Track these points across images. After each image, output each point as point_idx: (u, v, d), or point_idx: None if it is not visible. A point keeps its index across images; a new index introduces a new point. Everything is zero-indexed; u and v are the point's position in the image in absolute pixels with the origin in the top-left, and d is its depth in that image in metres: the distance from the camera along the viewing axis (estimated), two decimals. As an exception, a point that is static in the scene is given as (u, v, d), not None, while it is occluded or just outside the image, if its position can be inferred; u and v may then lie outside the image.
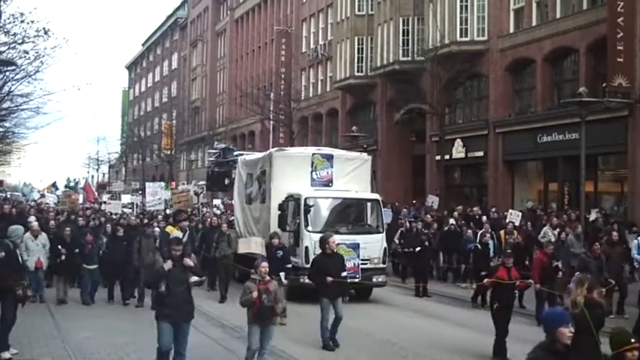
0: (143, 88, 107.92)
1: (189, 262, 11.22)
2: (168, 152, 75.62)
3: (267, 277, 11.71)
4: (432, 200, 33.47)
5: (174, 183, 61.06)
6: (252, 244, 17.29)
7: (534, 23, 33.21)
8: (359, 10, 46.08)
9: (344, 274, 14.69)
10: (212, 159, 33.37)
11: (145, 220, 27.70)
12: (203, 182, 55.23)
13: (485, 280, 14.03)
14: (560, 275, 17.49)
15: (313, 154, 21.91)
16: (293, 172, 21.23)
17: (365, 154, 23.63)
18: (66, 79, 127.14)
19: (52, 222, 21.98)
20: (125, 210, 38.33)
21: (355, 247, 19.33)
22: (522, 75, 34.90)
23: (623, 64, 26.88)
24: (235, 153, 31.47)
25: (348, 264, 16.94)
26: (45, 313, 17.79)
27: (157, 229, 20.62)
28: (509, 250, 15.29)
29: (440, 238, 25.66)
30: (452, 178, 39.13)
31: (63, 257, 19.10)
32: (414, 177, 43.46)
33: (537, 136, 32.13)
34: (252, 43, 68.55)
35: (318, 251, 18.53)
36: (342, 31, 47.85)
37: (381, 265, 20.58)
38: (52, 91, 33.93)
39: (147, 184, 33.73)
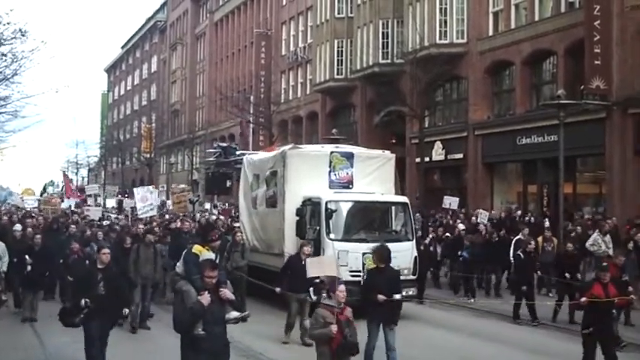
0: (122, 91, 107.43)
1: (228, 293, 8.91)
2: (148, 155, 75.36)
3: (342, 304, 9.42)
4: (450, 201, 31.16)
5: (154, 186, 60.76)
6: (326, 266, 14.10)
7: (513, 26, 33.42)
8: (339, 13, 46.16)
9: (397, 296, 12.46)
10: (211, 159, 31.16)
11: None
12: (183, 185, 54.91)
13: (583, 299, 11.95)
14: (631, 289, 14.67)
15: (331, 152, 19.71)
16: (309, 172, 19.12)
17: (388, 152, 21.30)
18: (44, 82, 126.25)
19: (30, 229, 20.32)
20: (111, 215, 37.77)
21: None
22: (501, 77, 35.10)
23: (600, 67, 27.08)
24: (238, 152, 29.32)
25: None
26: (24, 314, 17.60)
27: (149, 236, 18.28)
28: (605, 264, 13.06)
29: (445, 245, 23.79)
30: (431, 180, 39.22)
31: (29, 268, 17.34)
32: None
33: (516, 138, 32.30)
34: (232, 46, 68.44)
35: (344, 262, 17.18)
36: (321, 34, 47.89)
37: (412, 277, 18.20)
38: (30, 95, 33.51)
39: (135, 189, 32.24)
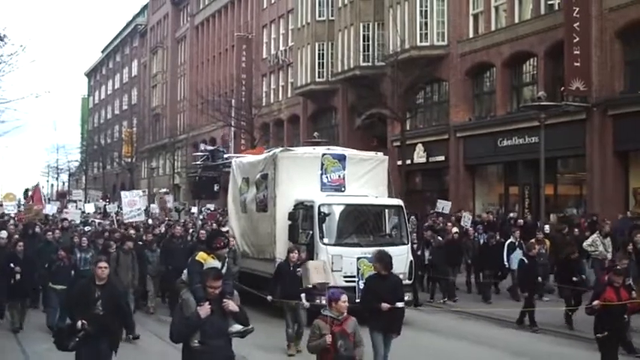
0: (103, 96, 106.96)
1: (232, 305, 8.41)
2: (129, 160, 75.10)
3: (345, 314, 8.94)
4: (443, 205, 30.62)
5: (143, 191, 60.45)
6: (312, 272, 14.00)
7: (493, 28, 33.53)
8: (319, 16, 46.14)
9: (400, 304, 11.86)
10: (199, 163, 30.65)
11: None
12: (164, 190, 54.71)
13: (595, 303, 11.71)
14: (635, 295, 13.77)
15: (323, 154, 19.27)
16: (300, 175, 18.73)
17: (381, 154, 20.96)
18: (24, 86, 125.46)
19: (17, 236, 19.71)
20: (95, 220, 37.44)
21: None
22: (482, 79, 35.21)
23: (579, 69, 27.23)
24: (226, 156, 28.84)
25: None
26: (6, 324, 17.41)
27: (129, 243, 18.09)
28: (618, 267, 12.92)
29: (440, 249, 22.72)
30: (413, 183, 39.25)
31: (18, 277, 16.83)
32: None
33: (497, 140, 32.41)
34: (213, 49, 68.33)
35: (338, 267, 16.91)
36: (302, 37, 47.87)
37: (407, 282, 17.36)
38: (9, 99, 33.21)
39: (122, 193, 31.84)
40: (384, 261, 11.87)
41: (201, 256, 10.39)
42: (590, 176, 28.03)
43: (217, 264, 10.11)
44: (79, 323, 9.71)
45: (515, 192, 32.64)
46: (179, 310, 8.77)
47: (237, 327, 8.43)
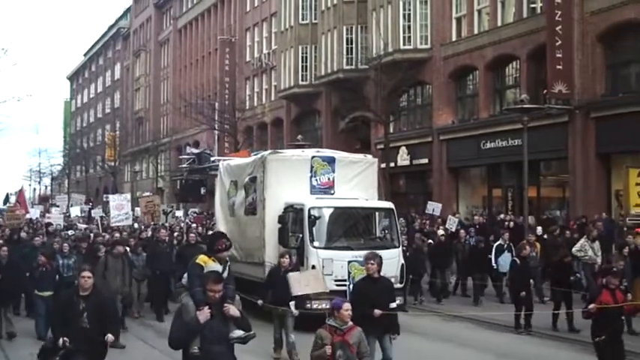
0: (85, 99, 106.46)
1: (232, 309, 8.23)
2: (112, 163, 74.80)
3: (350, 323, 8.78)
4: (434, 207, 30.28)
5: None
6: (312, 282, 13.43)
7: (476, 31, 33.69)
8: (303, 19, 46.12)
9: (393, 304, 11.86)
10: (185, 166, 30.06)
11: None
12: (148, 193, 54.46)
13: (591, 306, 11.56)
14: (630, 298, 13.48)
15: (313, 157, 18.96)
16: (290, 178, 18.41)
17: (370, 157, 20.75)
18: (6, 90, 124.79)
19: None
20: (79, 224, 37.16)
21: None
22: (465, 82, 35.34)
23: (562, 72, 27.39)
24: (212, 159, 28.30)
25: None
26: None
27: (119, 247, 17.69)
28: (614, 269, 12.77)
29: (429, 252, 22.96)
30: (397, 185, 39.31)
31: None
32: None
33: (481, 143, 32.54)
34: (196, 52, 68.20)
35: (328, 271, 16.55)
36: (286, 40, 47.87)
37: (399, 286, 17.06)
38: (-10, 104, 33.02)
39: (110, 196, 31.48)
40: (378, 257, 11.79)
41: (201, 258, 10.03)
42: (572, 178, 28.20)
43: (218, 267, 9.77)
44: (61, 341, 9.34)
45: (498, 194, 32.77)
46: (178, 315, 8.51)
47: (238, 332, 8.19)
